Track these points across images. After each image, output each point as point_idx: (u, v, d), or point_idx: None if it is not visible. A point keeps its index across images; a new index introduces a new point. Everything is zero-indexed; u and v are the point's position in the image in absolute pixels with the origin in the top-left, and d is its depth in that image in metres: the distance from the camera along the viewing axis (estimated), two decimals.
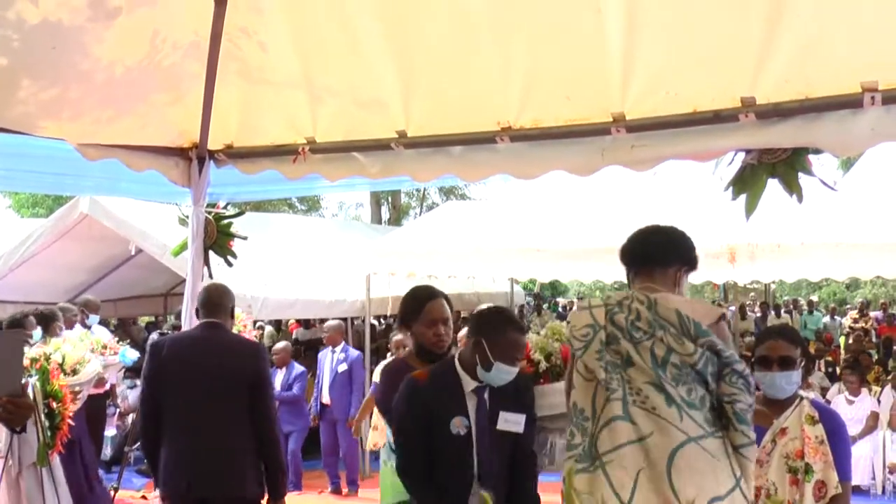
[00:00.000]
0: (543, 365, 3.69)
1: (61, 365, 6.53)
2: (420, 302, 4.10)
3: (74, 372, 6.65)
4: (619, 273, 10.68)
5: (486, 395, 3.74)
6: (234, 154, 5.06)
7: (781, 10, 3.22)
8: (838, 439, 3.69)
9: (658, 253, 3.56)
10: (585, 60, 3.73)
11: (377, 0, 3.99)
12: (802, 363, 3.80)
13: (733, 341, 11.68)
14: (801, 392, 3.85)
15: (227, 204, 5.65)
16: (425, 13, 3.95)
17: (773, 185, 3.65)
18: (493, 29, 3.83)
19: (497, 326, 3.74)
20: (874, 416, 10.22)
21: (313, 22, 4.22)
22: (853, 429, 9.63)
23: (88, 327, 9.17)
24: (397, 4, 3.98)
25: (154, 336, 10.93)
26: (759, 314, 20.12)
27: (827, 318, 21.15)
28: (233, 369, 4.75)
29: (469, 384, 3.74)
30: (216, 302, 4.84)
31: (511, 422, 3.76)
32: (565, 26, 3.69)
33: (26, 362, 6.69)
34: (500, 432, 3.75)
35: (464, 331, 4.56)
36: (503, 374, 3.68)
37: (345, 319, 11.58)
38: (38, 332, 7.49)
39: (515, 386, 3.79)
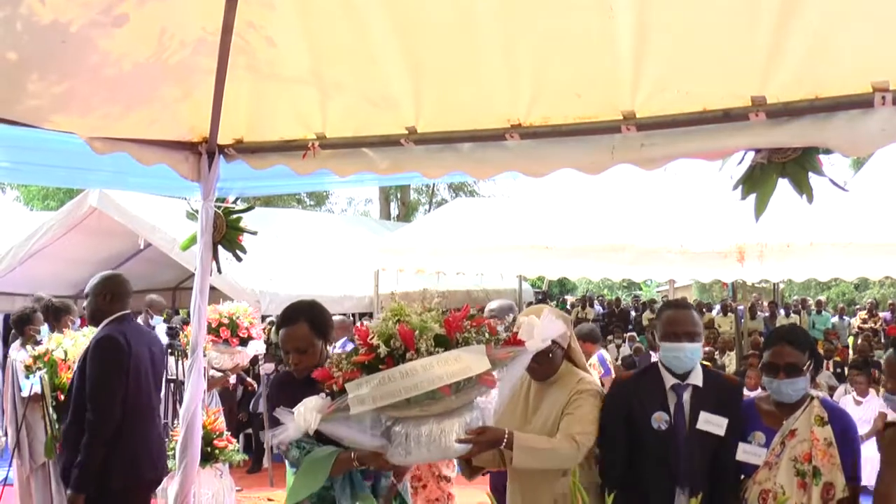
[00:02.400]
0: (383, 350, 3.32)
1: (64, 361, 6.57)
2: (277, 326, 4.07)
3: None
4: (626, 271, 10.75)
5: (686, 394, 3.95)
6: (244, 149, 5.06)
7: (792, 9, 3.21)
8: (847, 440, 3.68)
9: None
10: (596, 58, 3.72)
11: None
12: (811, 366, 3.78)
13: (741, 340, 11.68)
14: (812, 391, 3.84)
15: (237, 199, 5.66)
16: (436, 9, 3.94)
17: (783, 185, 3.64)
18: (503, 26, 3.82)
19: (659, 311, 4.25)
20: (882, 417, 10.19)
21: (323, 17, 4.22)
22: (861, 429, 9.60)
23: (153, 328, 9.28)
24: (408, 1, 3.97)
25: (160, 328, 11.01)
26: (768, 314, 20.08)
27: (836, 318, 21.09)
28: (159, 357, 5.20)
29: (669, 380, 3.98)
30: (130, 291, 5.18)
31: (713, 423, 3.89)
32: (576, 24, 3.67)
33: (29, 360, 6.75)
34: (702, 433, 3.87)
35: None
36: (671, 352, 3.94)
37: (353, 315, 11.60)
38: (44, 329, 7.52)
39: (720, 390, 3.97)
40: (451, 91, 4.21)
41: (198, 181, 5.21)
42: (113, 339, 4.75)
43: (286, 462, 3.93)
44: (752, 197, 3.71)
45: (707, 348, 14.16)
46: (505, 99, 4.06)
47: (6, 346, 9.50)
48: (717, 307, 21.42)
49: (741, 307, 15.57)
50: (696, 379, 3.96)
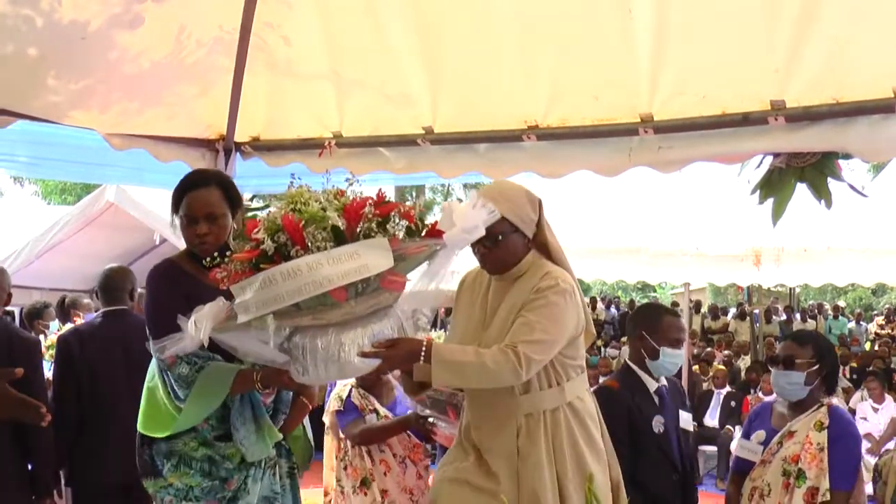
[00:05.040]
0: (269, 245, 2.64)
1: None
2: (179, 192, 3.32)
3: None
4: (641, 273, 10.69)
5: (666, 395, 3.96)
6: (261, 147, 5.07)
7: (812, 13, 3.19)
8: (840, 447, 3.63)
9: None
10: (614, 60, 3.71)
11: None
12: (815, 368, 3.73)
13: (756, 345, 11.60)
14: (828, 399, 3.79)
15: (253, 196, 5.66)
16: (454, 10, 3.94)
17: (800, 189, 3.62)
18: (521, 27, 3.82)
19: (653, 315, 4.02)
20: (894, 423, 10.11)
21: (341, 18, 4.23)
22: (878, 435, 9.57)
23: None
24: (426, 1, 3.98)
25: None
26: (783, 318, 19.97)
27: (852, 324, 20.95)
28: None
29: (651, 385, 3.93)
30: (119, 286, 4.84)
31: (686, 420, 4.01)
32: (595, 26, 3.67)
33: (42, 350, 6.79)
34: (683, 429, 4.00)
35: None
36: (670, 357, 3.87)
37: None
38: (55, 324, 7.57)
39: (676, 386, 4.07)
40: (469, 91, 4.21)
41: None
42: (62, 341, 4.65)
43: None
44: (769, 201, 3.70)
45: (725, 352, 14.11)
46: (522, 100, 4.05)
47: None
48: (732, 311, 21.31)
49: (756, 311, 15.50)
50: (664, 379, 4.03)
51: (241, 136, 5.05)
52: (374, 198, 2.75)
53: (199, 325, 2.78)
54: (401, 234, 2.72)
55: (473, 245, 3.05)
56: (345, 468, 4.50)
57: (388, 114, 4.48)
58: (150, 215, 10.71)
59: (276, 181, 6.03)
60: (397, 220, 2.75)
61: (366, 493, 4.39)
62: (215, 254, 2.82)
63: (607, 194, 10.05)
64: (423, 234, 2.81)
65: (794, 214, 3.90)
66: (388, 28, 4.12)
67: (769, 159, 3.67)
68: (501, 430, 3.11)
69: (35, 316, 7.88)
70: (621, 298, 29.42)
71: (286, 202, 2.76)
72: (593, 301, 23.68)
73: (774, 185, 3.64)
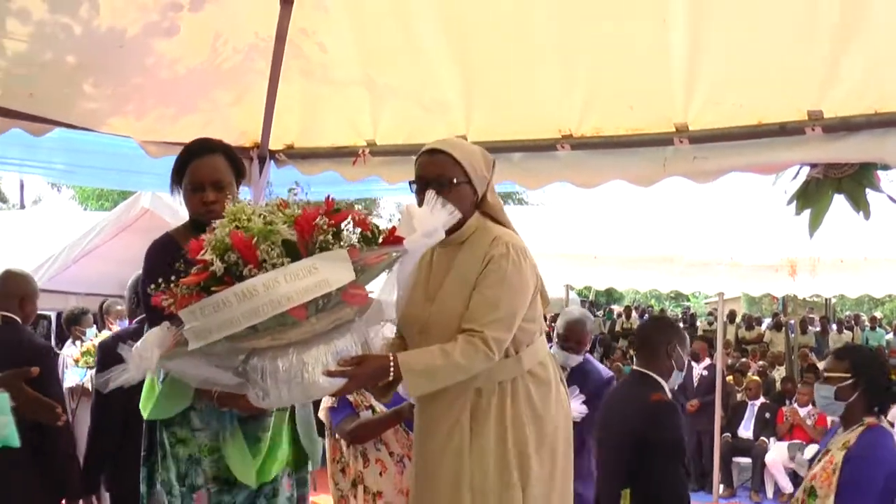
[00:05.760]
0: (219, 266, 2.45)
1: None
2: (183, 161, 3.16)
3: None
4: (675, 282, 10.63)
5: None
6: (295, 155, 5.09)
7: (851, 22, 3.16)
8: (851, 468, 3.53)
9: None
10: (649, 70, 3.69)
11: (441, 5, 4.00)
12: (849, 383, 3.65)
13: (791, 355, 11.46)
14: (871, 418, 3.68)
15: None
16: (489, 19, 3.94)
17: (837, 198, 3.58)
18: (556, 36, 3.82)
19: (679, 329, 4.25)
20: None
21: (376, 24, 4.24)
22: None
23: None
24: (461, 9, 3.98)
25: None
26: (819, 328, 19.73)
27: (890, 335, 20.63)
28: None
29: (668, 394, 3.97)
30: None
31: None
32: (630, 35, 3.65)
33: (77, 355, 6.87)
34: None
35: None
36: (684, 371, 4.01)
37: None
38: (91, 330, 7.67)
39: None
40: (503, 100, 4.20)
41: (248, 186, 5.25)
42: (104, 347, 4.73)
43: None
44: (805, 211, 3.66)
45: (760, 362, 13.97)
46: (556, 109, 4.05)
47: (60, 343, 9.68)
48: (767, 321, 21.08)
49: (792, 321, 15.35)
50: None
51: (275, 143, 5.07)
52: (324, 205, 2.62)
53: (145, 355, 2.64)
54: (354, 239, 2.59)
55: (423, 193, 2.85)
56: (341, 470, 4.22)
57: (422, 122, 4.48)
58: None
59: (311, 189, 6.06)
60: (351, 228, 2.61)
61: (355, 496, 4.24)
62: (159, 280, 2.61)
63: (642, 203, 10.00)
64: (382, 240, 2.66)
65: (831, 224, 3.85)
66: (423, 36, 4.12)
67: (806, 170, 3.64)
68: (450, 408, 2.92)
69: (73, 322, 7.99)
70: (654, 307, 29.27)
71: (227, 219, 2.58)
72: (627, 310, 23.58)
73: (811, 197, 3.61)
